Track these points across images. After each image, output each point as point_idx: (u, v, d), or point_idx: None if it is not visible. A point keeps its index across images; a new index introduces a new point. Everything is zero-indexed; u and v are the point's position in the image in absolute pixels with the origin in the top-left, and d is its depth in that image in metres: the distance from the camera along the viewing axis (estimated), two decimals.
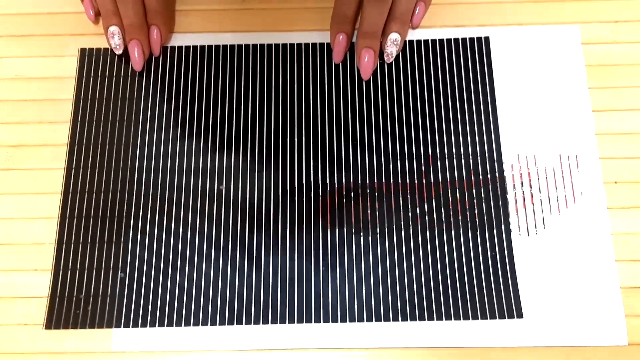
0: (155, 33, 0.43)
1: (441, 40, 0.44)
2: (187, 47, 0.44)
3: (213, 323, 0.37)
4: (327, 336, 0.37)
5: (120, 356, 0.37)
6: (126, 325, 0.37)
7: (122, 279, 0.38)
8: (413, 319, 0.37)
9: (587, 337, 0.37)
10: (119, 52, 0.43)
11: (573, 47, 0.43)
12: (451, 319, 0.37)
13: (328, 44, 0.44)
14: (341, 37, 0.42)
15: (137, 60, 0.42)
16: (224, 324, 0.37)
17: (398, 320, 0.37)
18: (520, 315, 0.37)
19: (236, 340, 0.37)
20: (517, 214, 0.39)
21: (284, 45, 0.44)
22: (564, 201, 0.40)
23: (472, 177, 0.40)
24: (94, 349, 0.37)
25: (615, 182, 0.40)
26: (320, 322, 0.37)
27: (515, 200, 0.40)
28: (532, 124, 0.42)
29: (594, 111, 0.42)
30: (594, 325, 0.37)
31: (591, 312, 0.37)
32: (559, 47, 0.43)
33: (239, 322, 0.37)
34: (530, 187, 0.40)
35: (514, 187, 0.40)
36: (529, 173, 0.40)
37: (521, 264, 0.38)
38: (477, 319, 0.37)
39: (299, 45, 0.44)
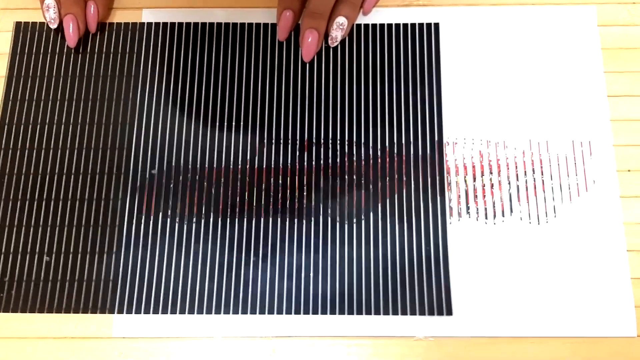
0: (92, 8, 0.41)
1: (389, 25, 0.42)
2: (126, 24, 0.42)
3: (129, 311, 0.37)
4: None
5: (121, 342, 0.36)
6: (49, 311, 0.36)
7: (47, 263, 0.37)
8: (341, 312, 0.36)
9: (596, 328, 0.36)
10: (53, 26, 0.41)
11: (589, 29, 0.42)
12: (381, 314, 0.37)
13: (272, 24, 0.42)
14: (288, 13, 0.40)
15: (71, 36, 0.41)
16: (149, 312, 0.36)
17: (326, 314, 0.36)
18: (450, 312, 0.36)
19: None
20: (528, 202, 0.39)
21: (227, 24, 0.42)
22: (575, 189, 0.39)
23: (412, 167, 0.39)
24: (94, 334, 0.36)
25: (629, 171, 0.39)
26: (247, 313, 0.36)
27: (526, 188, 0.39)
28: (545, 109, 0.40)
29: (609, 96, 0.40)
30: (603, 316, 0.36)
31: (601, 302, 0.37)
32: (574, 29, 0.42)
33: (165, 312, 0.36)
34: (542, 174, 0.39)
35: (525, 174, 0.39)
36: (540, 159, 0.39)
37: (532, 253, 0.37)
38: (407, 314, 0.36)
39: (242, 24, 0.42)
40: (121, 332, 0.36)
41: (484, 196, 0.39)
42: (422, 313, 0.36)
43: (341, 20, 0.40)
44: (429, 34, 0.42)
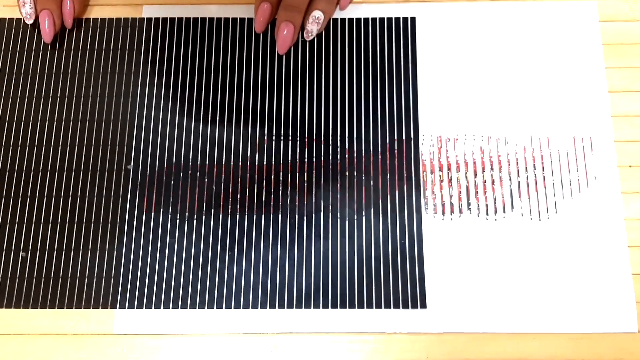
0: (68, 4, 0.41)
1: (366, 19, 0.42)
2: (103, 20, 0.42)
3: (109, 306, 0.37)
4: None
5: (122, 338, 0.36)
6: (25, 306, 0.36)
7: (24, 259, 0.37)
8: (316, 306, 0.36)
9: (596, 324, 0.36)
10: (29, 21, 0.41)
11: (590, 24, 0.42)
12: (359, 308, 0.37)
13: (249, 19, 0.42)
14: (265, 5, 0.40)
15: (47, 31, 0.41)
16: (124, 307, 0.37)
17: (301, 308, 0.36)
18: (424, 306, 0.36)
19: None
20: (529, 198, 0.38)
21: (203, 19, 0.42)
22: (576, 185, 0.39)
23: (388, 161, 0.39)
24: (96, 331, 0.36)
25: (630, 166, 0.39)
26: (222, 308, 0.37)
27: (527, 184, 0.39)
28: (546, 104, 0.40)
29: (610, 92, 0.40)
30: (604, 311, 0.36)
31: (601, 298, 0.37)
32: (575, 24, 0.42)
33: (140, 306, 0.37)
34: (543, 170, 0.39)
35: (526, 170, 0.39)
36: (541, 155, 0.39)
37: (533, 249, 0.37)
38: (381, 307, 0.36)
39: (219, 19, 0.42)
40: (123, 329, 0.36)
41: (485, 192, 0.39)
42: (396, 306, 0.36)
43: (317, 14, 0.40)
44: (405, 27, 0.42)
